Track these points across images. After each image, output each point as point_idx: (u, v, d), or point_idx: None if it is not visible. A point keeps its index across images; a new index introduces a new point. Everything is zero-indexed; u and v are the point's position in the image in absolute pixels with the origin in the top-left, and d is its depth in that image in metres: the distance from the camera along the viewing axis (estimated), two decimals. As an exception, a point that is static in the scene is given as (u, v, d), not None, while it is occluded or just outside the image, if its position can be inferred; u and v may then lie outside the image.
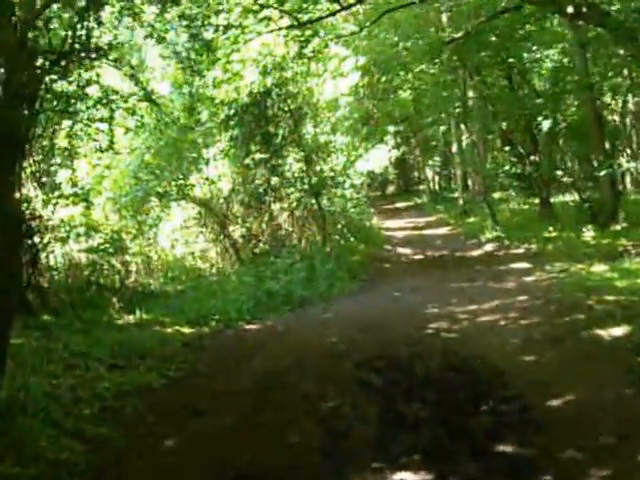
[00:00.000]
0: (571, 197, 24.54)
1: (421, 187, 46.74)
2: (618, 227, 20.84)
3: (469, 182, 32.60)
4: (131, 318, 11.85)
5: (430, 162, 43.45)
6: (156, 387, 8.08)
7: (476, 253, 19.41)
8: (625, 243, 18.23)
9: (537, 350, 8.73)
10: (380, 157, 34.94)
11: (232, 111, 16.18)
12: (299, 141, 16.81)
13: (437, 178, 44.55)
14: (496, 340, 9.40)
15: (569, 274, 14.22)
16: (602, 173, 21.12)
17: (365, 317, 11.70)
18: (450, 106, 26.70)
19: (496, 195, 34.99)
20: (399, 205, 40.52)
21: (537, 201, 29.90)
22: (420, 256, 19.53)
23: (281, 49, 15.46)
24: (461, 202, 31.99)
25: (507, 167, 22.20)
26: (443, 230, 26.76)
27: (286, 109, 16.44)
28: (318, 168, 17.75)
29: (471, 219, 28.88)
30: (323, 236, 17.20)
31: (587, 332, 9.33)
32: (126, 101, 12.78)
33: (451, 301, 12.59)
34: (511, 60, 22.69)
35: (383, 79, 25.68)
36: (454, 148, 32.47)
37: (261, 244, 16.61)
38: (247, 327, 11.57)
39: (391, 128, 33.17)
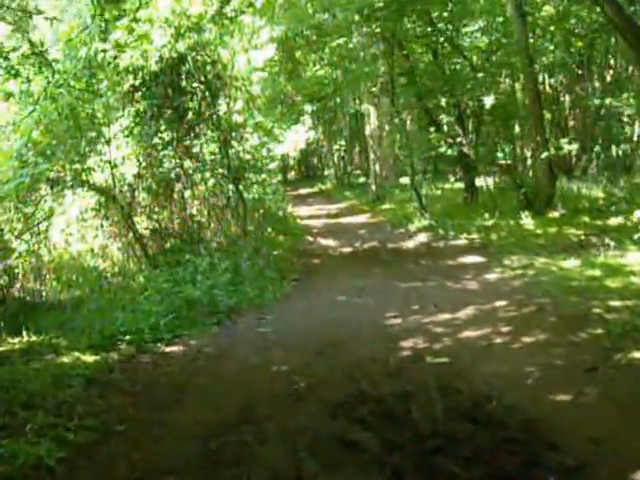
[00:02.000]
0: (493, 181, 22.58)
1: (326, 172, 44.47)
2: (556, 214, 19.11)
3: (376, 167, 30.26)
4: (16, 342, 9.00)
5: (336, 146, 41.02)
6: (52, 466, 5.37)
7: (411, 244, 17.18)
8: (576, 232, 16.42)
9: (569, 384, 6.48)
10: (297, 139, 32.35)
11: (138, 81, 13.42)
12: (217, 118, 14.18)
13: (342, 163, 42.12)
14: (504, 368, 7.13)
15: (538, 271, 12.32)
16: (543, 155, 19.20)
17: (314, 332, 9.28)
18: (370, 83, 24.46)
19: (404, 180, 33.31)
20: (303, 191, 37.96)
21: (454, 186, 28.31)
22: (348, 249, 17.18)
23: (197, 7, 12.81)
24: (373, 188, 29.80)
25: (443, 149, 19.86)
26: (362, 218, 24.47)
27: (202, 79, 13.79)
28: (236, 150, 15.18)
29: (386, 205, 26.84)
30: (244, 229, 14.65)
31: (622, 356, 7.16)
32: (6, 58, 9.74)
33: (412, 307, 10.34)
34: (440, 29, 20.59)
35: (298, 53, 23.40)
36: (367, 130, 30.15)
37: (172, 239, 13.90)
38: (167, 349, 8.89)
39: (308, 107, 30.69)
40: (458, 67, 21.14)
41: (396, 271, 13.54)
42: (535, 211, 19.02)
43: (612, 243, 13.85)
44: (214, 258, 12.41)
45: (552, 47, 19.92)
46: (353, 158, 42.05)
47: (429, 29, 21.55)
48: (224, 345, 8.95)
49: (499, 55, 20.67)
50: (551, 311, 9.28)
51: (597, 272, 11.48)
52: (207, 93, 13.89)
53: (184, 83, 13.75)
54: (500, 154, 21.29)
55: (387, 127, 30.59)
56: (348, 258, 15.85)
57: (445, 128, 21.66)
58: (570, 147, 20.74)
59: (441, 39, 21.40)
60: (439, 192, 25.72)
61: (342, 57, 23.53)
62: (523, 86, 20.17)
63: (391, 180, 31.50)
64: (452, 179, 28.63)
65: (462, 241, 16.69)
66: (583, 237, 15.87)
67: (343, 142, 41.10)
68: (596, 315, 8.78)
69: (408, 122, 24.23)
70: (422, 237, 18.01)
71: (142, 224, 13.91)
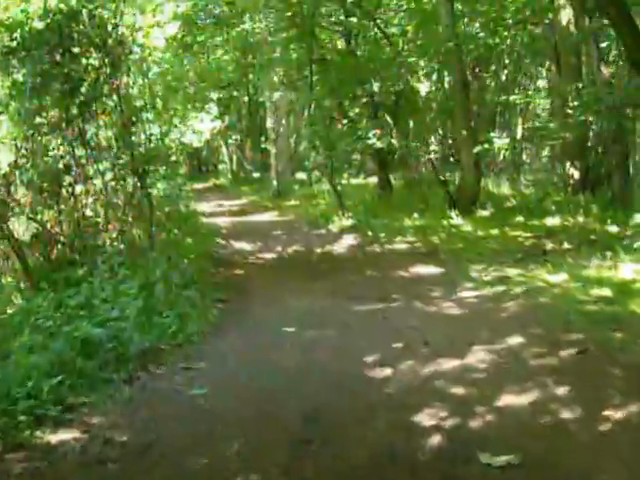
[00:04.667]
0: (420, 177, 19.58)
1: (220, 167, 40.64)
2: (486, 213, 16.33)
3: (278, 161, 26.84)
4: None
5: (230, 140, 37.16)
6: None
7: (342, 249, 13.85)
8: (523, 234, 13.66)
9: None
10: (203, 129, 28.39)
11: (15, 42, 9.46)
12: (117, 96, 10.39)
13: (236, 158, 38.26)
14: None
15: (522, 286, 9.34)
16: (475, 150, 16.27)
17: (273, 397, 5.80)
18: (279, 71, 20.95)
19: (301, 175, 30.16)
20: (198, 186, 33.91)
21: (362, 181, 25.30)
22: (271, 254, 13.66)
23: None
24: (275, 183, 26.37)
25: (371, 141, 16.57)
26: (269, 216, 20.96)
27: (100, 43, 9.98)
28: (142, 136, 11.44)
29: (291, 202, 23.46)
30: (149, 232, 10.95)
31: None
32: None
33: (393, 345, 7.01)
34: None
35: (202, 37, 19.77)
36: (269, 122, 26.60)
37: (61, 246, 10.03)
38: (54, 439, 5.22)
39: (213, 95, 26.85)
40: (379, 55, 17.92)
41: (342, 286, 10.17)
42: (462, 209, 16.17)
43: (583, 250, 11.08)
44: (117, 275, 8.70)
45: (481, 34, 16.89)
46: (249, 152, 38.29)
47: (342, 14, 18.36)
48: (141, 426, 5.33)
49: (425, 41, 17.55)
50: (603, 356, 6.18)
51: (606, 291, 8.45)
52: (106, 61, 10.06)
53: (76, 47, 9.88)
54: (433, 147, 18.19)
55: (286, 120, 27.39)
56: (276, 268, 12.32)
57: (364, 120, 18.48)
58: (501, 142, 17.85)
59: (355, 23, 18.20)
60: (349, 188, 22.39)
61: (249, 42, 20.07)
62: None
63: (287, 175, 28.26)
64: (361, 175, 25.62)
65: (400, 245, 13.51)
66: (535, 240, 13.12)
67: (239, 135, 37.34)
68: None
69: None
70: (349, 239, 14.71)
71: (21, 229, 9.97)
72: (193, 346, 7.31)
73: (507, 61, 24.50)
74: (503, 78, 24.83)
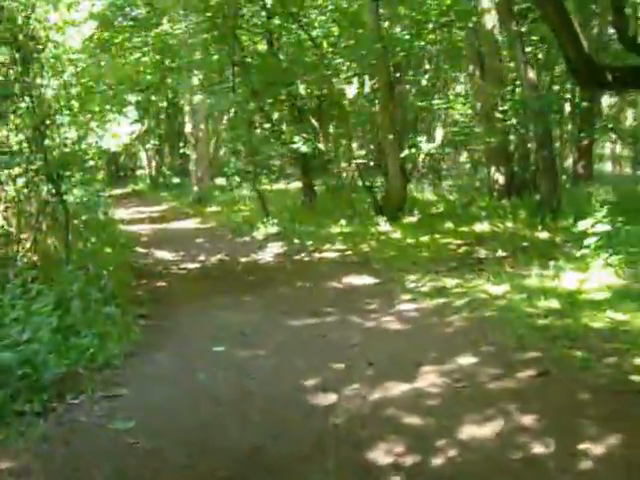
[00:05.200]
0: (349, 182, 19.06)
1: (138, 172, 39.43)
2: (413, 219, 15.93)
3: (192, 167, 26.00)
4: None
5: (148, 145, 35.99)
6: None
7: (269, 257, 13.16)
8: (453, 241, 13.27)
9: None
10: (121, 133, 27.12)
11: None
12: (30, 95, 9.49)
13: (154, 163, 37.10)
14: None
15: (463, 297, 8.80)
16: (403, 154, 15.85)
17: (204, 429, 5.14)
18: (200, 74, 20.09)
19: (221, 181, 29.42)
20: (116, 192, 32.55)
21: (284, 187, 24.64)
22: (194, 264, 12.83)
23: None
24: (195, 189, 25.53)
25: (299, 145, 15.87)
26: (190, 223, 20.12)
27: (9, 37, 9.00)
28: (56, 140, 10.56)
29: (212, 208, 22.69)
30: (65, 242, 10.08)
31: None
32: None
33: (334, 366, 6.42)
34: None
35: (120, 38, 18.81)
36: (188, 127, 25.71)
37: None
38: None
39: (132, 98, 25.71)
40: (302, 57, 17.28)
41: (273, 299, 9.49)
42: (389, 216, 15.73)
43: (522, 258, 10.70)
44: (30, 290, 7.85)
45: (407, 37, 16.42)
46: (167, 157, 37.18)
47: (264, 15, 17.70)
48: (57, 470, 4.58)
49: (351, 44, 16.99)
50: (566, 378, 5.68)
51: (553, 303, 8.00)
52: (16, 58, 9.14)
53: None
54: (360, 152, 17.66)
55: (205, 124, 26.57)
56: (200, 279, 11.51)
57: (288, 124, 17.82)
58: (429, 147, 17.44)
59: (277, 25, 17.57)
60: (271, 194, 21.66)
61: (169, 44, 19.18)
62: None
63: (206, 181, 27.50)
64: (283, 180, 24.95)
65: (329, 253, 12.90)
66: (467, 247, 12.72)
67: (156, 142, 36.22)
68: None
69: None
70: (275, 247, 14.04)
71: None
72: (114, 370, 6.52)
73: (427, 66, 24.26)
74: (423, 82, 24.56)
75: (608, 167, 32.99)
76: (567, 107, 23.22)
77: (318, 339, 7.41)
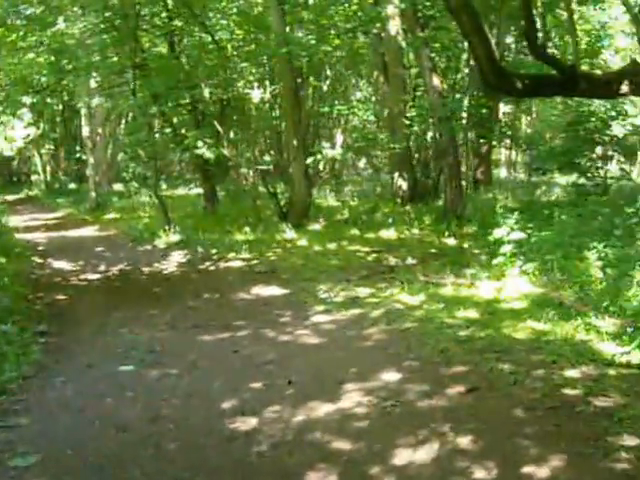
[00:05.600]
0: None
1: (33, 177, 37.90)
2: (318, 226, 15.67)
3: (90, 172, 25.08)
4: None
5: (43, 149, 34.62)
6: None
7: (173, 267, 12.56)
8: (361, 249, 13.07)
9: None
10: (15, 136, 25.70)
11: None
12: None
13: (49, 168, 35.69)
14: None
15: (379, 308, 8.52)
16: (308, 161, 15.55)
17: (116, 464, 4.63)
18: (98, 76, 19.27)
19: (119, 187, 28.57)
20: (9, 198, 31.05)
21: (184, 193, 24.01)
22: (95, 275, 12.05)
23: None
24: (93, 195, 24.57)
25: (203, 150, 15.29)
26: (89, 230, 19.22)
27: None
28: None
29: (111, 215, 21.87)
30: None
31: None
32: None
33: (252, 385, 6.00)
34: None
35: (13, 36, 17.87)
36: (85, 131, 24.73)
37: None
38: None
39: (27, 99, 24.44)
40: (205, 60, 16.77)
41: (181, 313, 8.94)
42: (294, 223, 15.43)
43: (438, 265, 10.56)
44: None
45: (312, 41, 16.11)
46: (63, 161, 35.85)
47: (165, 16, 17.11)
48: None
49: (255, 48, 16.57)
50: (497, 394, 5.42)
51: (472, 313, 7.81)
52: None
53: None
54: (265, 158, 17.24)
55: (103, 128, 25.70)
56: (103, 291, 10.82)
57: (190, 129, 17.23)
58: (333, 152, 17.19)
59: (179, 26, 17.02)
60: (172, 201, 20.98)
61: (66, 44, 18.33)
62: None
63: (104, 187, 26.62)
64: (183, 186, 24.29)
65: (235, 262, 12.43)
66: (376, 255, 12.53)
67: (52, 144, 34.87)
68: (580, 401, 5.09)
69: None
70: (179, 256, 13.47)
71: None
72: (11, 396, 5.91)
73: (329, 72, 24.05)
74: (324, 88, 24.37)
75: (503, 173, 33.51)
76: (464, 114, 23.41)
77: (232, 355, 6.97)
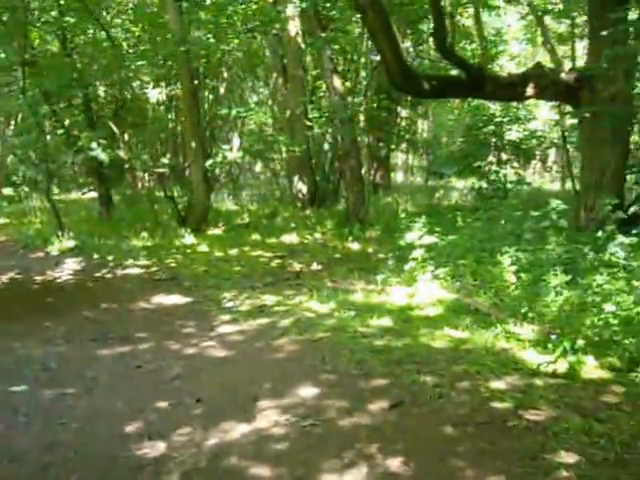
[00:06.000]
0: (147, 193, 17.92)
1: None
2: (218, 231, 15.28)
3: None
4: None
5: None
6: None
7: (66, 276, 11.74)
8: (264, 254, 12.80)
9: None
10: None
11: None
12: None
13: None
14: None
15: (287, 317, 8.10)
16: (209, 163, 15.08)
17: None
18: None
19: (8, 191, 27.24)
20: None
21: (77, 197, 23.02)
22: (-21, 284, 11.35)
23: None
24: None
25: (97, 152, 14.51)
26: (-25, 237, 18.19)
27: None
28: None
29: (0, 220, 20.69)
30: None
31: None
32: None
33: (157, 405, 5.49)
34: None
35: None
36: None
37: None
38: None
39: None
40: (100, 58, 16.03)
41: (77, 324, 8.30)
42: (193, 228, 14.95)
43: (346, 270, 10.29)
44: None
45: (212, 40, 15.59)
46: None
47: (57, 11, 16.28)
48: None
49: (152, 46, 15.93)
50: (423, 409, 5.08)
51: (386, 321, 7.52)
52: None
53: None
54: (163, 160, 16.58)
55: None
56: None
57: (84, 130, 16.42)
58: (234, 155, 16.71)
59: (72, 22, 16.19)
60: (65, 205, 20.04)
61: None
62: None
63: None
64: (76, 190, 23.32)
65: (133, 270, 11.79)
66: (279, 261, 12.22)
67: None
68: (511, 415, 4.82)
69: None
70: (73, 263, 12.68)
71: None
72: None
73: (225, 74, 23.56)
74: (222, 90, 23.90)
75: (400, 177, 33.69)
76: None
77: (134, 371, 6.45)
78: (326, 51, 14.85)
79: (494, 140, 18.44)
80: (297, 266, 11.66)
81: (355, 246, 13.52)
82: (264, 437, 4.77)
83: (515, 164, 20.12)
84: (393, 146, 24.84)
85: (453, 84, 11.03)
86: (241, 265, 11.79)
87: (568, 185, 16.56)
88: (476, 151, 18.11)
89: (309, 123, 16.21)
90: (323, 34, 14.58)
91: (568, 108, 12.90)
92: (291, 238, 14.67)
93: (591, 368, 5.66)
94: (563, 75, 10.60)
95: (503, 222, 10.20)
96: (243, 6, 16.48)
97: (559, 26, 20.23)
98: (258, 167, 31.08)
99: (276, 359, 6.57)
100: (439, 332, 6.91)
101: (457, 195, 23.79)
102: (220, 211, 18.13)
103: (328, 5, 16.07)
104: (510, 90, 10.83)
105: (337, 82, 15.21)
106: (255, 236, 14.78)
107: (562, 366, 5.67)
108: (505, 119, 18.10)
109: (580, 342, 5.82)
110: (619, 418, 4.76)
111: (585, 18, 13.00)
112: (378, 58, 13.14)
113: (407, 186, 28.20)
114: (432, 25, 10.03)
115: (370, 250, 13.04)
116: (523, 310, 6.91)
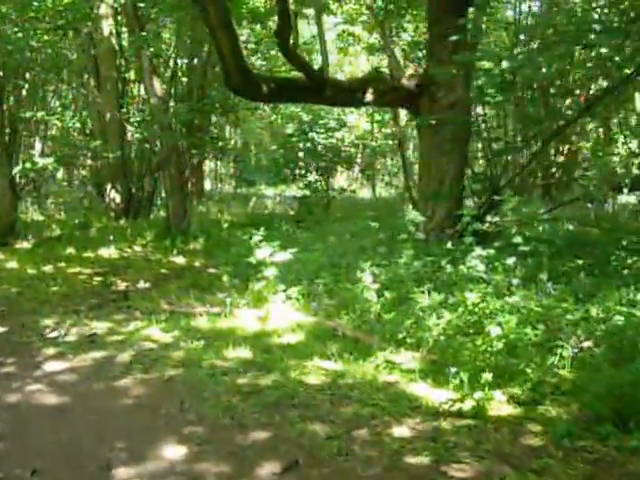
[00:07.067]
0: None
1: None
2: (26, 244, 13.76)
3: None
4: None
5: None
6: None
7: None
8: (88, 271, 11.49)
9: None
10: None
11: None
12: None
13: None
14: None
15: (129, 349, 6.85)
16: (17, 169, 13.52)
17: None
18: None
19: None
20: None
21: None
22: None
23: None
24: None
25: None
26: None
27: None
28: None
29: None
30: None
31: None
32: None
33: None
34: None
35: None
36: None
37: None
38: None
39: None
40: None
41: None
42: (-2, 242, 13.35)
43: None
44: None
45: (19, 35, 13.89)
46: None
47: None
48: None
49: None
50: (323, 471, 4.07)
51: (245, 351, 6.51)
52: None
53: None
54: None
55: None
56: None
57: None
58: (46, 161, 15.04)
59: None
60: None
61: None
62: None
63: None
64: None
65: None
66: (101, 278, 10.94)
67: None
68: (438, 475, 3.99)
69: None
70: None
71: None
72: None
73: (27, 74, 21.51)
74: (24, 92, 21.80)
75: (208, 185, 32.73)
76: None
77: None
78: (145, 51, 13.64)
79: (308, 146, 17.81)
80: (122, 284, 10.44)
81: (180, 260, 12.45)
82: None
83: (331, 172, 19.65)
84: (205, 153, 23.80)
85: (293, 87, 10.29)
86: (59, 284, 10.37)
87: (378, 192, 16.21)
88: (296, 158, 17.44)
89: (131, 128, 14.88)
90: (143, 33, 13.36)
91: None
92: (109, 251, 13.36)
93: (495, 403, 4.95)
94: (404, 81, 10.11)
95: (348, 236, 9.49)
96: (52, 1, 14.87)
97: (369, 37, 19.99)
98: (59, 174, 28.99)
99: (123, 406, 5.39)
100: (309, 363, 5.97)
101: (271, 203, 23.21)
102: (26, 222, 16.37)
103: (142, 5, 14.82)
104: (349, 95, 10.25)
105: (157, 84, 14.03)
106: (69, 250, 13.34)
107: (467, 404, 4.91)
108: (316, 127, 17.57)
109: (487, 375, 5.07)
110: (554, 467, 4.04)
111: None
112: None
113: (217, 194, 27.30)
114: (277, 23, 9.20)
115: (197, 264, 12.03)
116: (401, 335, 6.13)
